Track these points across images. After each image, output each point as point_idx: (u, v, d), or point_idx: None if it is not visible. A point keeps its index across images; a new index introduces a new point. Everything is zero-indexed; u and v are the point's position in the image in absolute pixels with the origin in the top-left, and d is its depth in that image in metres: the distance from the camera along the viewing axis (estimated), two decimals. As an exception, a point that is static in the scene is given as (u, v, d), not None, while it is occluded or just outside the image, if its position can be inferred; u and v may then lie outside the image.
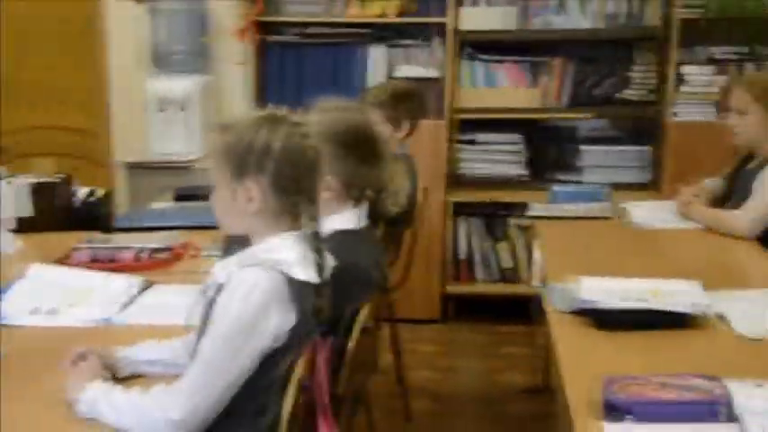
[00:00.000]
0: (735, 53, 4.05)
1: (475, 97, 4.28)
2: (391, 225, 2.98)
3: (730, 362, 1.90)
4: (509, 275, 4.38)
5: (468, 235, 4.39)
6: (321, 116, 2.15)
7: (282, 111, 1.76)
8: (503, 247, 4.39)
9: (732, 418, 1.59)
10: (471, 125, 4.33)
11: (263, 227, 1.73)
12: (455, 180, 4.37)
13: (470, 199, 4.29)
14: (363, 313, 2.00)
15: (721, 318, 2.12)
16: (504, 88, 4.31)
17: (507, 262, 4.39)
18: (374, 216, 2.29)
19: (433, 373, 3.79)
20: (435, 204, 4.17)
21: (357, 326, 1.96)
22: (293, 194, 1.71)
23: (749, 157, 3.13)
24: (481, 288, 4.38)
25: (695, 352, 1.97)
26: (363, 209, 2.18)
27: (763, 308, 2.19)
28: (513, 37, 4.23)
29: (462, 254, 4.39)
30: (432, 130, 4.09)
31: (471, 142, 4.34)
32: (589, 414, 1.64)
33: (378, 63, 4.21)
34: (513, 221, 4.32)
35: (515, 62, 4.29)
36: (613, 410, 1.62)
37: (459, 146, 4.34)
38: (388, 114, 3.23)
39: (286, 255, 1.68)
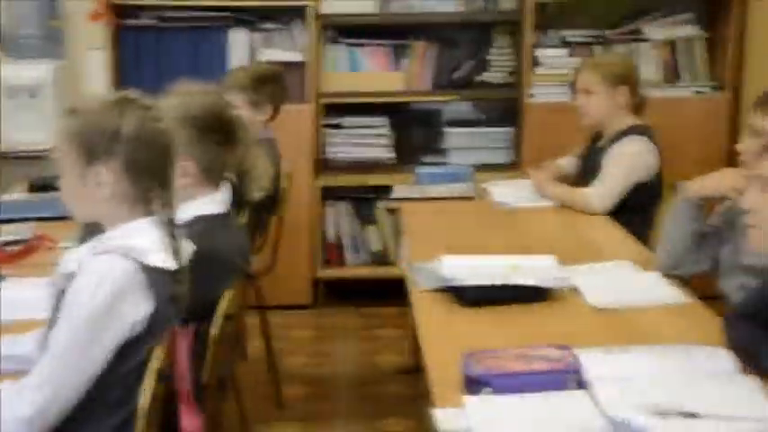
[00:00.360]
0: (586, 36, 4.21)
1: (340, 81, 4.28)
2: (257, 210, 2.96)
3: (583, 332, 1.98)
4: (379, 258, 4.42)
5: (337, 219, 4.40)
6: (178, 100, 2.11)
7: (133, 94, 1.71)
8: (372, 230, 4.42)
9: (582, 384, 1.66)
10: (337, 109, 4.33)
11: (116, 213, 1.69)
12: (323, 164, 4.36)
13: (338, 183, 4.30)
14: (226, 299, 1.98)
15: (575, 290, 2.21)
16: (369, 72, 4.32)
17: (376, 245, 4.42)
18: (238, 201, 2.26)
19: (307, 359, 3.79)
20: (303, 189, 4.16)
21: (219, 312, 1.94)
22: (146, 179, 1.67)
23: (599, 135, 3.27)
24: (352, 272, 4.40)
25: (551, 324, 2.05)
26: (224, 193, 2.15)
27: (614, 279, 2.30)
28: (375, 20, 4.25)
29: (332, 238, 4.40)
30: (297, 115, 4.07)
31: (338, 126, 4.35)
32: (451, 388, 1.68)
33: (239, 47, 4.15)
34: (381, 204, 4.35)
35: (378, 46, 4.31)
36: (473, 384, 1.67)
37: (325, 130, 4.33)
38: (249, 98, 3.20)
39: (140, 241, 1.64)
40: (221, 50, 4.15)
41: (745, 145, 2.16)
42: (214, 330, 1.92)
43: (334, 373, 3.66)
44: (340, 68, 4.30)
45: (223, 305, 1.96)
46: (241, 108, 2.90)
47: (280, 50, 4.16)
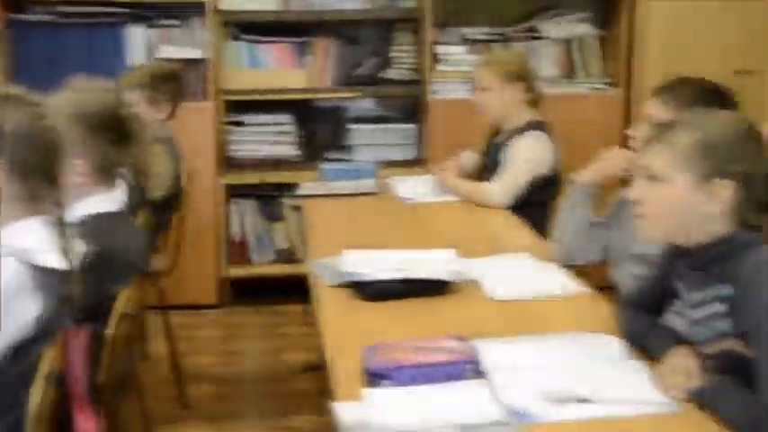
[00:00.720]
0: (486, 33, 4.28)
1: (242, 78, 4.24)
2: (157, 209, 2.91)
3: (482, 323, 2.02)
4: (285, 256, 4.40)
5: (243, 217, 4.37)
6: (70, 97, 2.07)
7: (18, 90, 1.66)
8: (278, 227, 4.40)
9: (480, 374, 1.69)
10: (240, 107, 4.29)
11: (5, 213, 1.63)
12: (227, 162, 4.32)
13: (243, 181, 4.27)
14: (123, 299, 1.94)
15: (476, 283, 2.25)
16: (271, 69, 4.30)
17: (283, 242, 4.40)
18: (136, 200, 2.22)
19: (214, 358, 3.74)
20: (207, 187, 4.11)
21: (115, 312, 1.90)
22: (34, 178, 1.63)
23: (498, 131, 3.33)
24: (258, 270, 4.37)
25: (451, 316, 2.08)
26: (120, 192, 2.11)
27: (513, 271, 2.35)
28: (276, 17, 4.23)
29: (237, 236, 4.36)
30: (198, 113, 4.01)
31: (241, 124, 4.31)
32: (353, 382, 1.69)
33: (137, 44, 4.06)
34: (287, 202, 4.34)
35: (280, 43, 4.29)
36: (373, 377, 1.68)
37: (229, 128, 4.29)
38: (148, 96, 3.14)
39: (29, 241, 1.60)
40: (118, 47, 4.05)
41: (638, 131, 2.25)
42: (110, 330, 1.88)
43: (242, 372, 3.63)
44: (242, 66, 4.26)
45: (119, 305, 1.92)
46: (139, 106, 2.85)
47: (179, 47, 4.08)
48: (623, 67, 4.24)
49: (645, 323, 1.81)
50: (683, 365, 1.62)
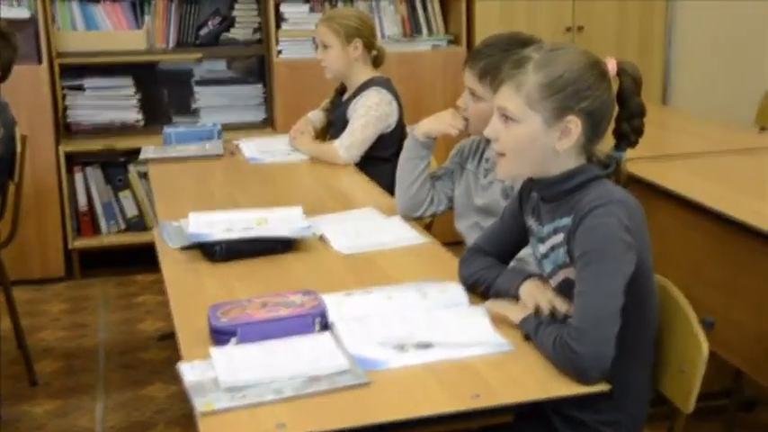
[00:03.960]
0: (329, -8, 4.29)
1: (76, 41, 4.08)
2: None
3: (329, 277, 2.05)
4: (135, 224, 4.30)
5: (88, 186, 4.22)
6: None
7: None
8: (125, 195, 4.29)
9: (326, 326, 1.73)
10: (77, 70, 4.13)
11: None
12: (66, 129, 4.16)
13: (85, 148, 4.12)
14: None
15: (323, 239, 2.28)
16: (107, 31, 4.15)
17: (132, 210, 4.30)
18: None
19: (63, 332, 3.63)
20: (46, 156, 3.95)
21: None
22: None
23: (344, 89, 3.36)
24: (107, 240, 4.25)
25: (299, 272, 2.10)
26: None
27: (359, 226, 2.39)
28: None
29: (83, 206, 4.22)
30: (31, 76, 3.84)
31: (79, 88, 4.15)
32: (200, 343, 1.69)
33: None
34: (133, 168, 4.23)
35: (115, 2, 4.15)
36: (220, 335, 1.69)
37: (66, 92, 4.12)
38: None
39: None
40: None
41: (462, 101, 2.30)
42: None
43: (93, 345, 3.54)
44: (76, 27, 4.09)
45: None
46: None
47: (5, 6, 3.86)
48: (464, 24, 4.34)
49: (483, 266, 1.88)
50: (537, 297, 1.70)
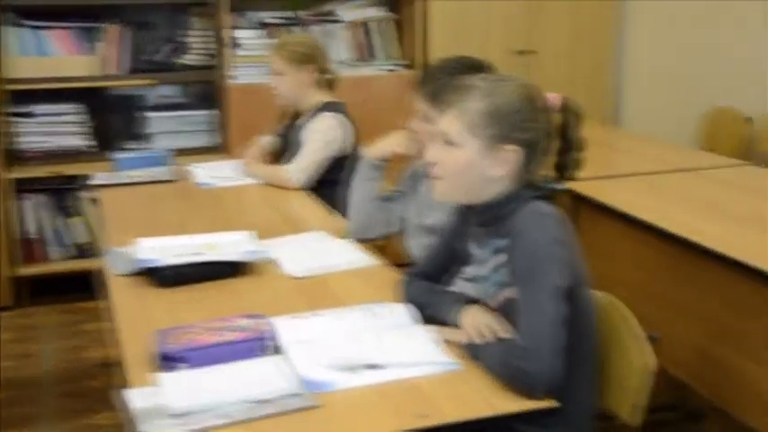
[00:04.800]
0: (281, 18, 4.28)
1: (26, 67, 4.02)
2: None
3: (279, 301, 2.04)
4: (86, 250, 4.23)
5: (37, 213, 4.16)
6: None
7: None
8: (76, 221, 4.23)
9: (276, 350, 1.71)
10: (26, 97, 4.07)
11: None
12: (15, 156, 4.10)
13: (32, 174, 4.06)
14: None
15: (273, 262, 2.26)
16: (58, 56, 4.10)
17: (82, 236, 4.24)
18: None
19: (8, 362, 3.55)
20: (-9, 183, 3.89)
21: None
22: None
23: (298, 113, 3.36)
24: (56, 267, 4.18)
25: (249, 296, 2.08)
26: None
27: (309, 249, 2.38)
28: (60, 2, 4.04)
29: (32, 233, 4.15)
30: (-21, 103, 3.78)
31: (28, 115, 4.10)
32: (147, 369, 1.66)
33: None
34: (84, 195, 4.17)
35: (66, 29, 4.10)
36: (168, 361, 1.66)
37: (14, 119, 4.06)
38: None
39: None
40: None
41: (413, 124, 2.31)
42: None
43: (39, 375, 3.46)
44: (26, 53, 4.04)
45: None
46: None
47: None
48: (419, 48, 4.37)
49: (424, 290, 1.90)
50: (476, 323, 1.71)
